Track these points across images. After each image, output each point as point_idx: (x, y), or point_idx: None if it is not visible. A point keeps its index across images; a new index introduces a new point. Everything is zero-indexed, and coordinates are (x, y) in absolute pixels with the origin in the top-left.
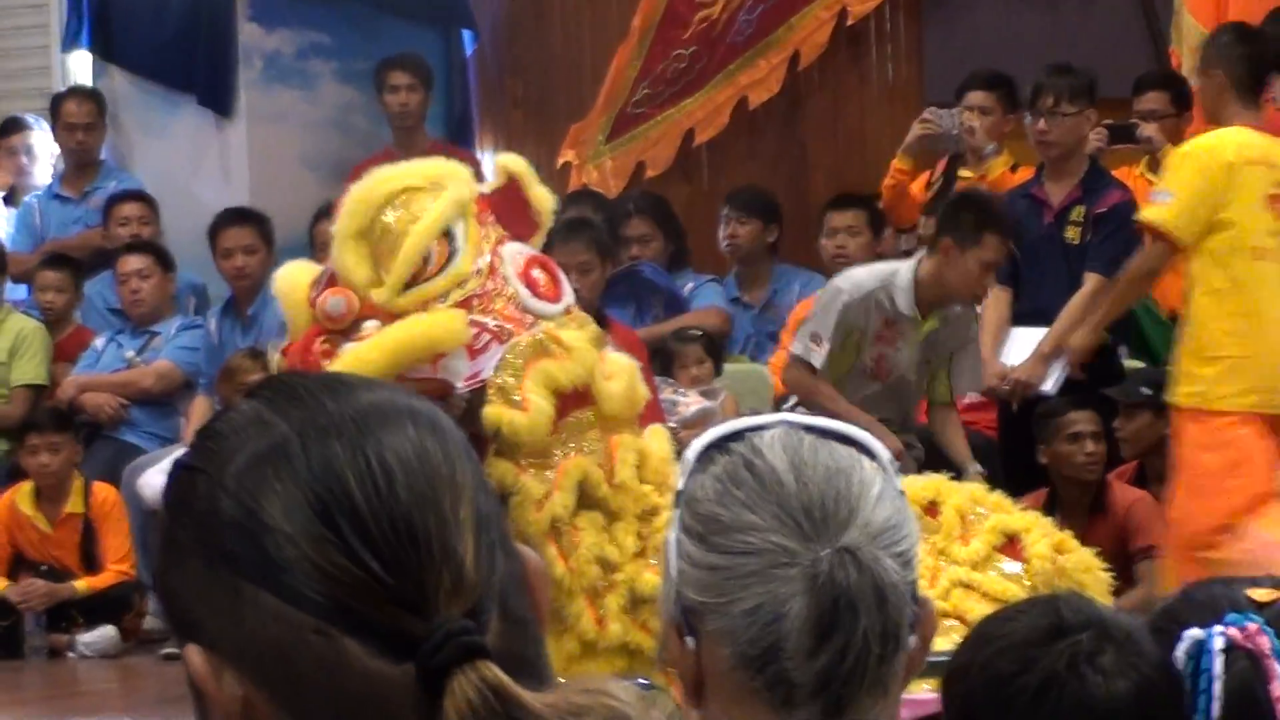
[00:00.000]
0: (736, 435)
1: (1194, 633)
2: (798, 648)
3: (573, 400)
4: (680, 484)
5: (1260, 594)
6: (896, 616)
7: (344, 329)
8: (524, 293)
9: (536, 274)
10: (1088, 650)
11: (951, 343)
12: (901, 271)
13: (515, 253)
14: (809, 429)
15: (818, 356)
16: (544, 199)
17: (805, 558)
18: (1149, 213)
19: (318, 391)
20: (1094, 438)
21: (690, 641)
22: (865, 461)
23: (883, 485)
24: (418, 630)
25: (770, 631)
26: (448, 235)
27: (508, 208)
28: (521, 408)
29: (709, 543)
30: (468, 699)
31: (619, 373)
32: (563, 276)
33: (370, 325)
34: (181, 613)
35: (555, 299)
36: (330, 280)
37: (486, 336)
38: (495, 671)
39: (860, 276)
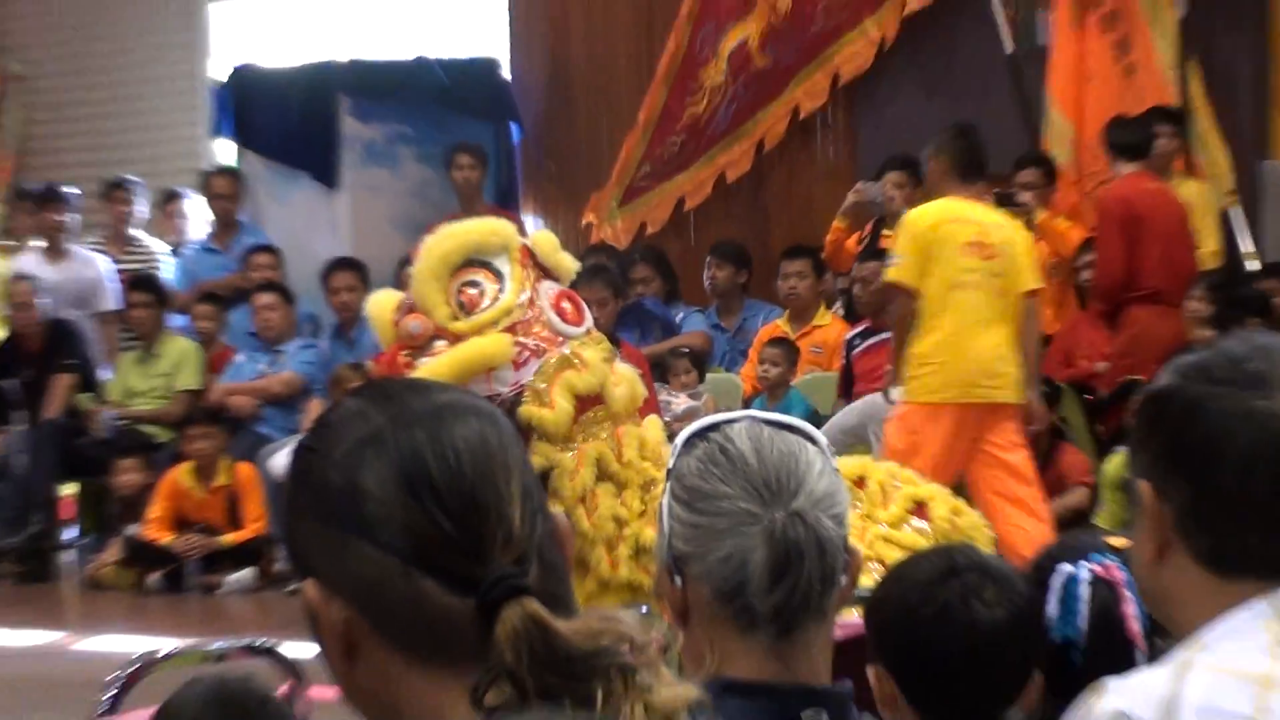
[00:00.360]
0: (713, 426)
1: (1066, 568)
2: (759, 586)
3: (589, 401)
4: (670, 463)
5: (1117, 541)
6: (833, 563)
7: (420, 345)
8: (555, 319)
9: (565, 305)
10: (974, 586)
11: None
12: None
13: (548, 289)
14: (767, 422)
15: None
16: (567, 268)
17: (764, 519)
18: (888, 273)
19: (404, 392)
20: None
21: (678, 580)
22: (809, 446)
23: (822, 464)
24: (478, 574)
25: (738, 573)
26: (498, 275)
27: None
28: (549, 407)
29: (693, 508)
30: (514, 626)
31: (624, 380)
32: (584, 306)
33: (440, 344)
34: (301, 557)
35: (578, 324)
36: (410, 307)
37: (526, 354)
38: (535, 605)
39: None
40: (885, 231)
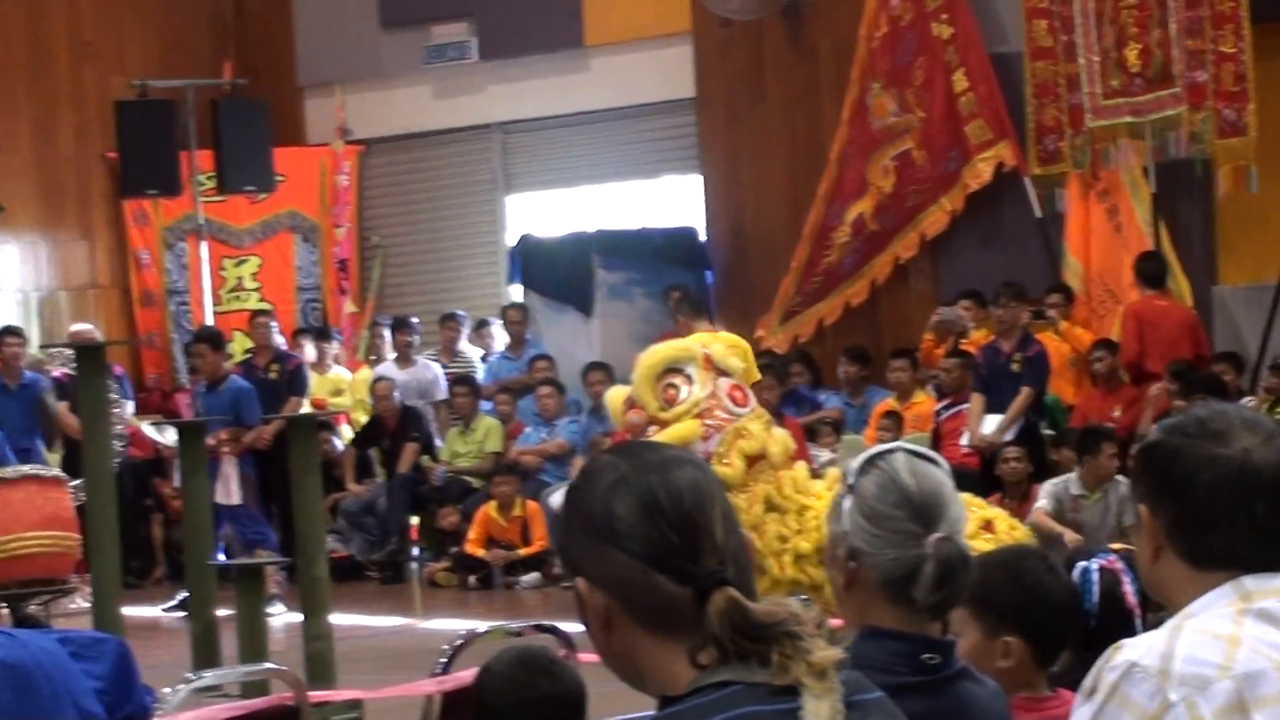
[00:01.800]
0: (880, 455)
1: (1083, 562)
2: (925, 589)
3: (756, 458)
4: (850, 479)
5: (1116, 546)
6: (970, 570)
7: (639, 430)
8: (729, 404)
9: (735, 394)
10: (1049, 565)
11: None
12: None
13: (724, 383)
14: (912, 453)
15: None
16: (736, 368)
17: (925, 538)
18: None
19: (641, 450)
20: (1018, 459)
21: (852, 564)
22: (945, 477)
23: (953, 492)
24: (694, 571)
25: (906, 574)
26: (689, 378)
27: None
28: (729, 465)
29: (873, 522)
30: (719, 606)
31: (778, 442)
32: (750, 393)
33: (652, 429)
34: (574, 562)
35: (745, 405)
36: (632, 403)
37: (711, 431)
38: (734, 592)
39: None
40: (963, 341)
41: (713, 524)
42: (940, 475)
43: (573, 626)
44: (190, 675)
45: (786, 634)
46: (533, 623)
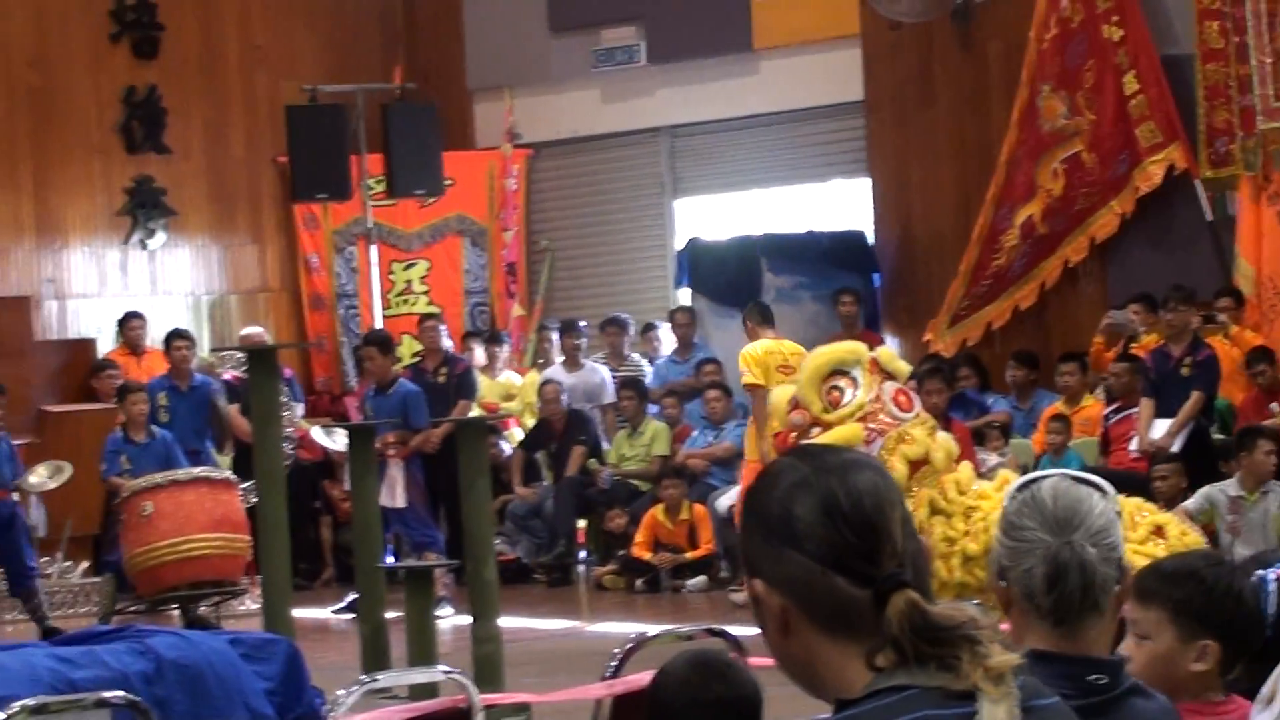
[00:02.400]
0: (1033, 480)
1: (1260, 572)
2: (1039, 591)
3: (919, 463)
4: (1005, 503)
5: None
6: (1093, 578)
7: (803, 431)
8: (893, 409)
9: (900, 398)
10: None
11: None
12: None
13: (889, 387)
14: (1069, 478)
15: None
16: (902, 371)
17: (1051, 545)
18: (744, 379)
19: (822, 453)
20: (1164, 477)
21: (1002, 583)
22: (1095, 494)
23: (1103, 508)
24: (873, 574)
25: (1031, 582)
26: (854, 381)
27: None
28: (890, 471)
29: (1009, 535)
30: (899, 609)
31: (941, 446)
32: (914, 397)
33: (815, 430)
34: (751, 563)
35: (909, 410)
36: (796, 404)
37: (874, 435)
38: (913, 594)
39: None
40: (1133, 345)
41: (892, 527)
42: (1084, 492)
43: (743, 630)
44: (364, 677)
45: (965, 638)
46: (703, 626)
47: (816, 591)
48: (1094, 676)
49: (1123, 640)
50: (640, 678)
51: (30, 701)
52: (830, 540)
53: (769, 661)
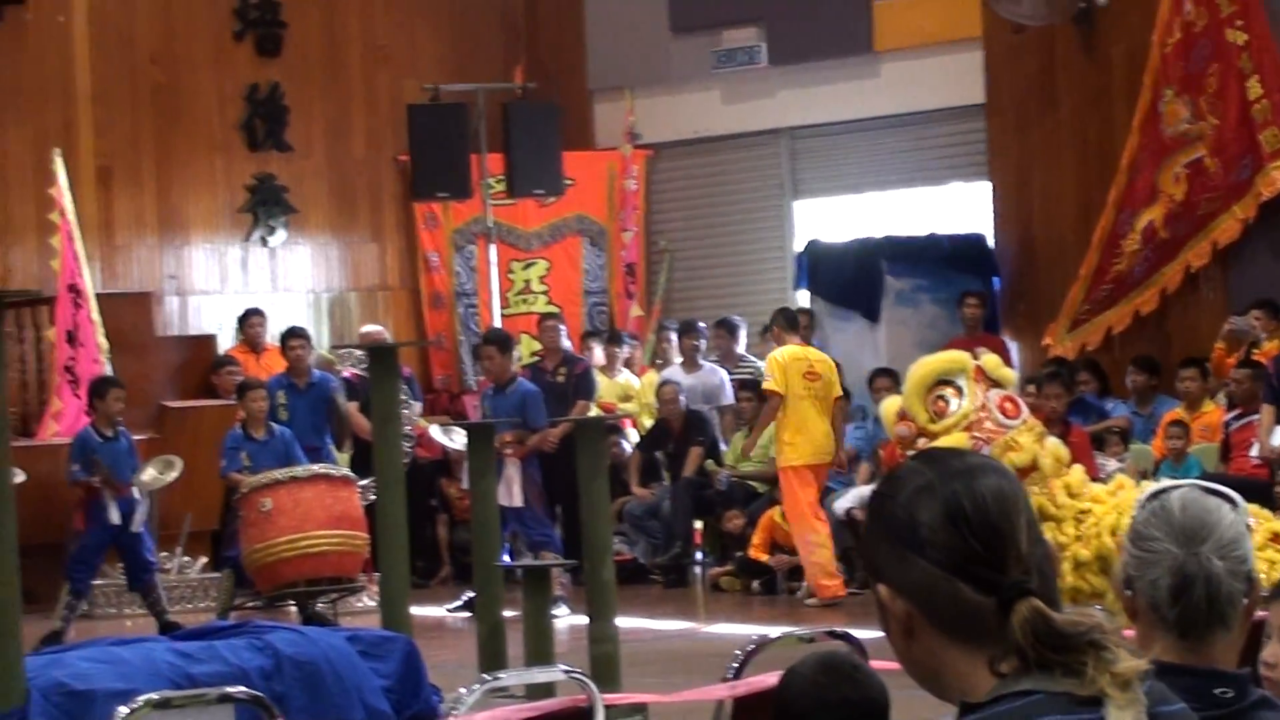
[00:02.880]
0: (1163, 490)
1: None
2: (1164, 602)
3: (1027, 470)
4: (1134, 512)
5: None
6: (1218, 589)
7: (909, 442)
8: (999, 417)
9: (1006, 405)
10: None
11: None
12: None
13: (995, 395)
14: (1199, 488)
15: None
16: (1009, 378)
17: (1178, 556)
18: (766, 385)
19: (947, 457)
20: None
21: (1128, 592)
22: (1225, 506)
23: (1232, 519)
24: (998, 580)
25: (1158, 593)
26: (959, 390)
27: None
28: None
29: (1137, 546)
30: (1023, 616)
31: (1049, 452)
32: (1022, 403)
33: (922, 440)
34: (876, 567)
35: (1016, 417)
36: (904, 415)
37: (980, 444)
38: (1038, 602)
39: None
40: (1254, 351)
41: (1017, 533)
42: (1214, 503)
43: (864, 632)
44: (485, 676)
45: (1090, 644)
46: (825, 629)
47: (940, 597)
48: (1220, 690)
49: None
50: (763, 679)
51: (154, 695)
52: (954, 547)
53: (892, 664)
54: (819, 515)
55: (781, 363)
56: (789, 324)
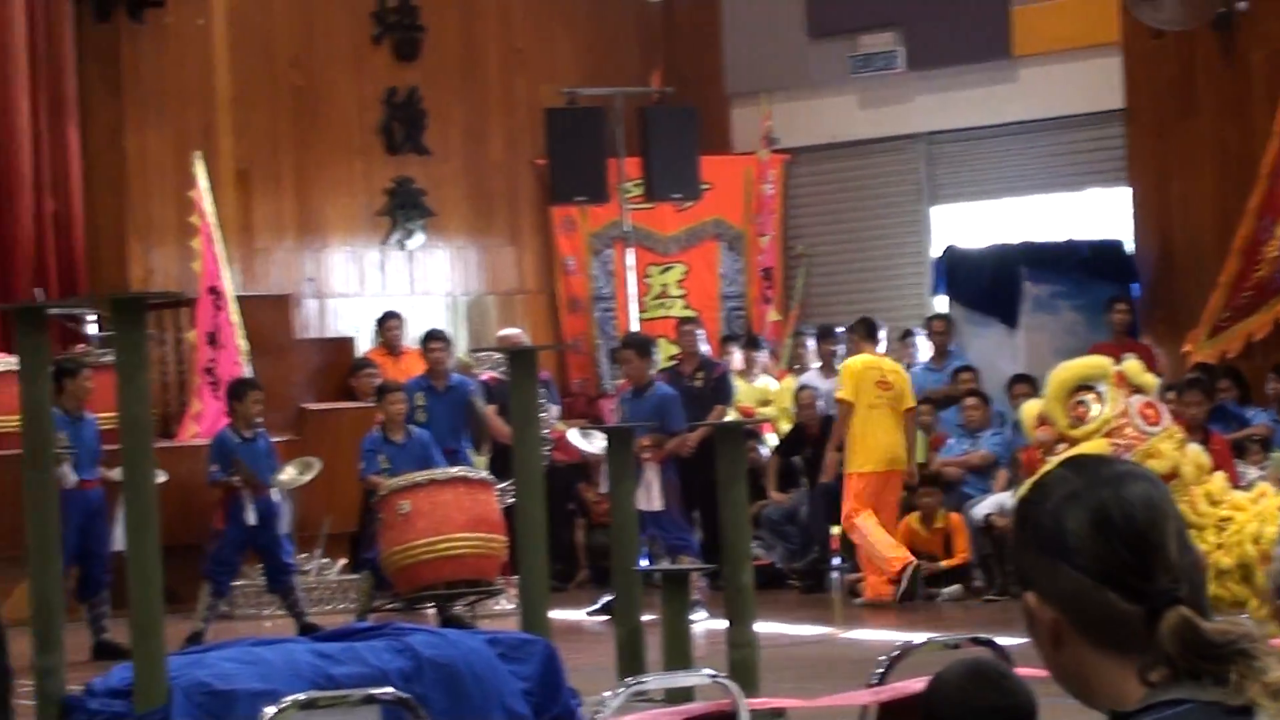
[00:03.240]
0: None
1: None
2: None
3: (1168, 477)
4: None
5: None
6: None
7: (1048, 448)
8: (1140, 423)
9: (1147, 411)
10: None
11: None
12: None
13: (1136, 401)
14: None
15: None
16: (1150, 384)
17: None
18: (837, 394)
19: (1095, 464)
20: None
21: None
22: None
23: None
24: (1146, 589)
25: None
26: (1100, 395)
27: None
28: None
29: None
30: (1172, 625)
31: (1189, 459)
32: (1163, 410)
33: (1061, 446)
34: (1023, 575)
35: (1157, 424)
36: (1044, 420)
37: (1120, 450)
38: (1187, 611)
39: None
40: None
41: (1166, 541)
42: None
43: (1009, 639)
44: (630, 679)
45: (1240, 653)
46: (969, 635)
47: (1089, 606)
48: None
49: None
50: (907, 685)
51: (300, 696)
52: (1102, 555)
53: (1038, 671)
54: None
55: (854, 371)
56: (868, 333)
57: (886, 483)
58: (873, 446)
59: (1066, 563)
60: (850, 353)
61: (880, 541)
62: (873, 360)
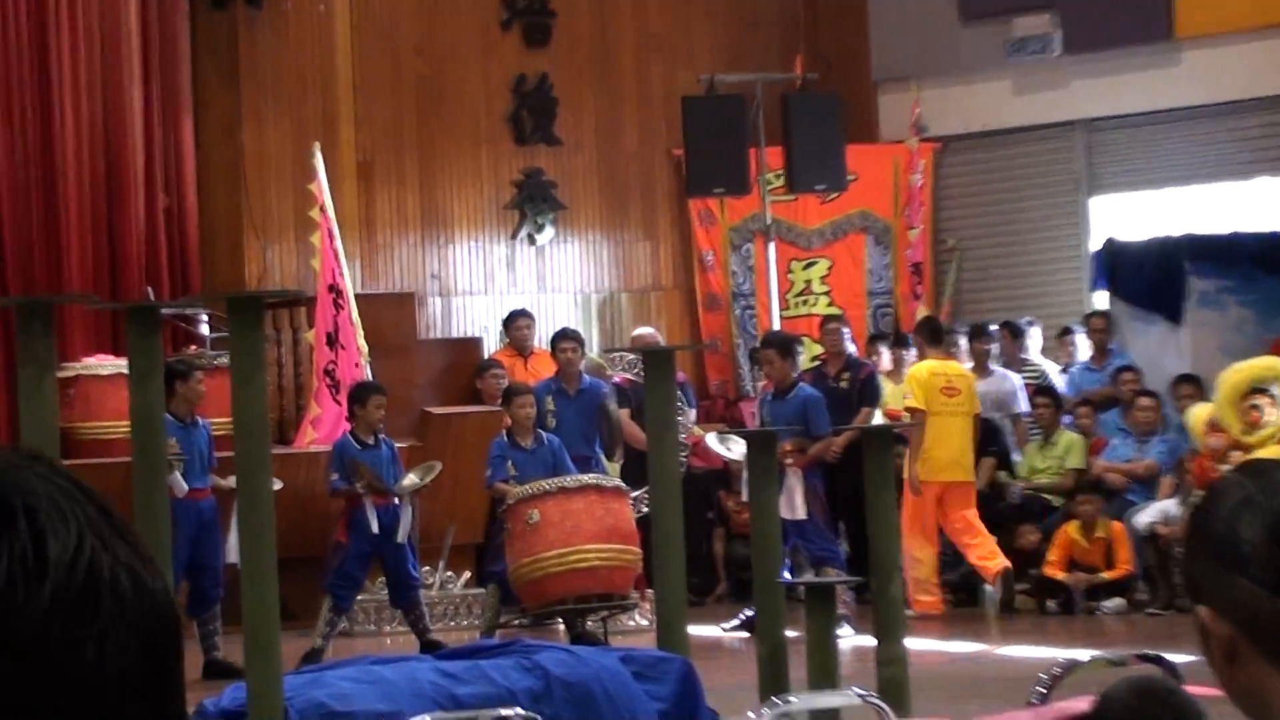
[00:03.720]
0: None
1: None
2: None
3: None
4: None
5: None
6: None
7: (1221, 455)
8: None
9: None
10: None
11: None
12: None
13: None
14: None
15: None
16: None
17: None
18: (907, 402)
19: (1271, 469)
20: None
21: None
22: None
23: None
24: None
25: None
26: (1273, 399)
27: None
28: None
29: None
30: None
31: None
32: None
33: (1235, 454)
34: (1195, 588)
35: None
36: (1215, 425)
37: None
38: None
39: None
40: None
41: None
42: None
43: (1178, 656)
44: (775, 699)
45: None
46: (1135, 652)
47: (1265, 619)
48: None
49: None
50: (1071, 704)
51: (424, 718)
52: (1278, 565)
53: (1210, 689)
54: (930, 535)
55: (920, 378)
56: (932, 336)
57: (952, 494)
58: (938, 455)
59: (1241, 574)
60: (919, 357)
61: (968, 547)
62: (937, 366)
